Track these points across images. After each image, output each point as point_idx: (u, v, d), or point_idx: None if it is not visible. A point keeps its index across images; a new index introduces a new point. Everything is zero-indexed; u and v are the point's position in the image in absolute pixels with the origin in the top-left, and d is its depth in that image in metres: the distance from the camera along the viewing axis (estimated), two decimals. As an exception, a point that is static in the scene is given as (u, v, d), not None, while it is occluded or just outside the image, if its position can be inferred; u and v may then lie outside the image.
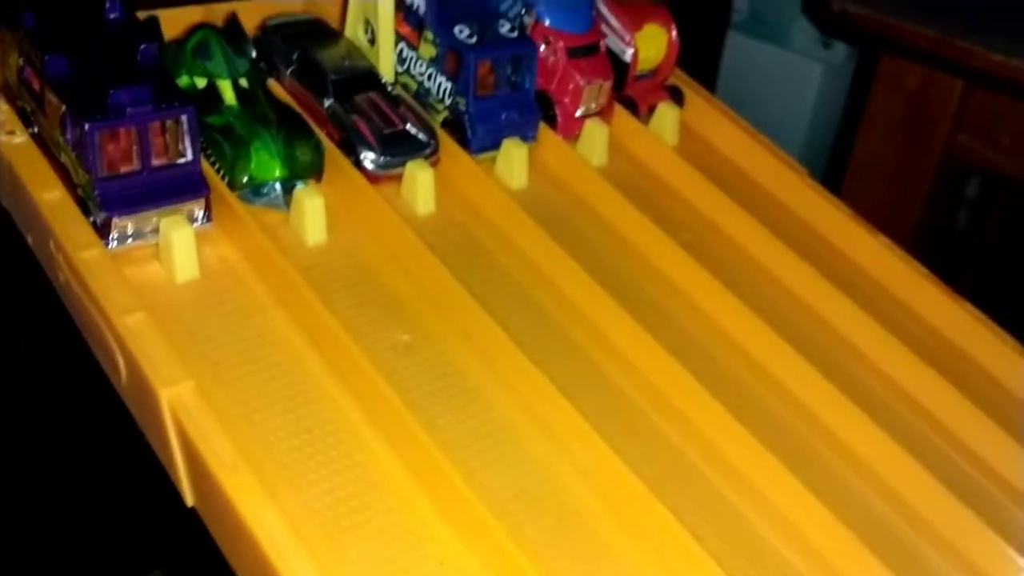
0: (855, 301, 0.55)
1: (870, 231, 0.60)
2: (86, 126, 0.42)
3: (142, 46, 0.46)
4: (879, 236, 0.60)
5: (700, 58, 1.36)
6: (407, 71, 0.59)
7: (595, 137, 0.61)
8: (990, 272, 1.06)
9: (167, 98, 0.44)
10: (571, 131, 0.61)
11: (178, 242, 0.45)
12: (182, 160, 0.46)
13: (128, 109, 0.43)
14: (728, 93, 1.35)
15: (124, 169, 0.44)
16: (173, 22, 0.57)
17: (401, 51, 0.58)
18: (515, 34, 0.57)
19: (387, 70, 0.58)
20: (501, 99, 0.57)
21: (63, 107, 0.44)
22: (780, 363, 0.51)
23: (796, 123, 1.29)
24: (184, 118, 0.45)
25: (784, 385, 0.50)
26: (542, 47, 0.59)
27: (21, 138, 0.47)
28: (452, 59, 0.56)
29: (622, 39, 0.62)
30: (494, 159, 0.58)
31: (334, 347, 0.44)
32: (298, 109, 0.54)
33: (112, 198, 0.44)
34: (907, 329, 0.56)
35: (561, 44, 0.59)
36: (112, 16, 0.48)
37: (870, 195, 0.83)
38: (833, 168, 1.34)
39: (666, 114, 0.64)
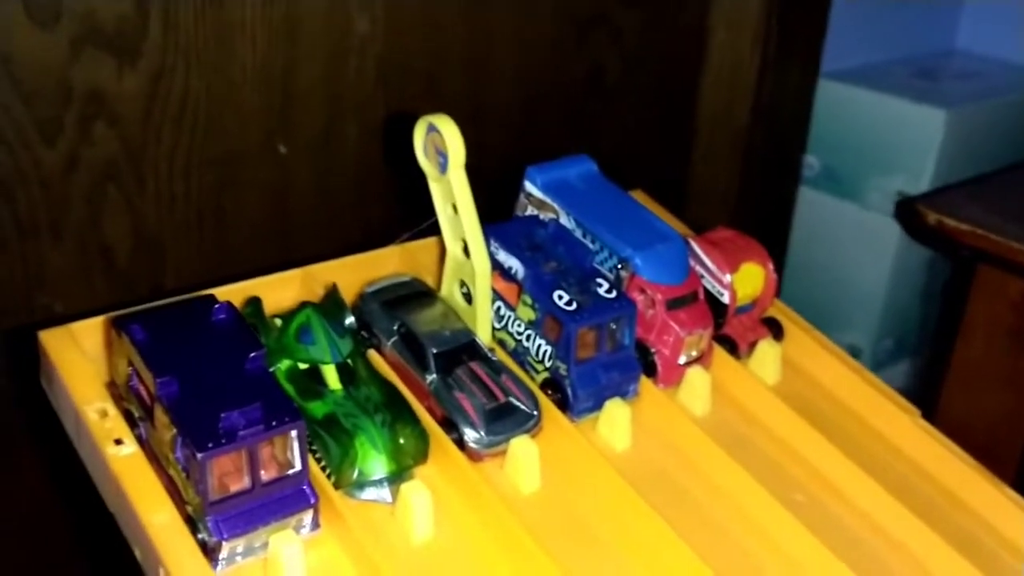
0: (985, 568, 0.52)
1: (992, 482, 0.57)
2: (199, 455, 0.42)
3: (251, 355, 0.46)
4: (1003, 488, 0.57)
5: (771, 215, 1.35)
6: (504, 328, 0.58)
7: (697, 386, 0.59)
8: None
9: (277, 414, 0.44)
10: (671, 380, 0.59)
11: (287, 565, 0.44)
12: (291, 471, 0.45)
13: (239, 432, 0.43)
14: (801, 251, 1.33)
15: (234, 488, 0.44)
16: (274, 289, 0.58)
17: (498, 309, 0.58)
18: (613, 294, 0.56)
19: (485, 333, 0.57)
20: (602, 361, 0.56)
21: (174, 429, 0.43)
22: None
23: (875, 281, 1.26)
24: (294, 433, 0.44)
25: None
26: (639, 298, 0.58)
27: (129, 449, 0.47)
28: (551, 325, 0.55)
29: (719, 281, 0.61)
30: (596, 416, 0.57)
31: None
32: (398, 382, 0.53)
33: (223, 523, 0.43)
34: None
35: (659, 296, 0.58)
36: (219, 316, 0.48)
37: (975, 399, 0.79)
38: (924, 334, 1.31)
39: (767, 352, 0.62)
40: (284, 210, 0.92)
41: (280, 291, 0.58)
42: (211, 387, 0.44)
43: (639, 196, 0.70)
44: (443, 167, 0.54)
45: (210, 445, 0.42)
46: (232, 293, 0.55)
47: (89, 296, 0.85)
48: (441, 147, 0.54)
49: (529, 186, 0.63)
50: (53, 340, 0.51)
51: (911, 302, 1.29)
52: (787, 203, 1.32)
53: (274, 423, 0.43)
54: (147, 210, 0.85)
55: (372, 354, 0.55)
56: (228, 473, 0.44)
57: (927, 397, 0.59)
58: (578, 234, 0.60)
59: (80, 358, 0.51)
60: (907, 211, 0.96)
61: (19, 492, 0.86)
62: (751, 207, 1.25)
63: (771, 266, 0.63)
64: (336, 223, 0.95)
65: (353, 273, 0.60)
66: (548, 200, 0.62)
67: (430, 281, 0.61)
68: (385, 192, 0.96)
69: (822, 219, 1.30)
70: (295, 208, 0.92)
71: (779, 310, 0.66)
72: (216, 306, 0.48)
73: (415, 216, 0.64)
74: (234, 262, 0.91)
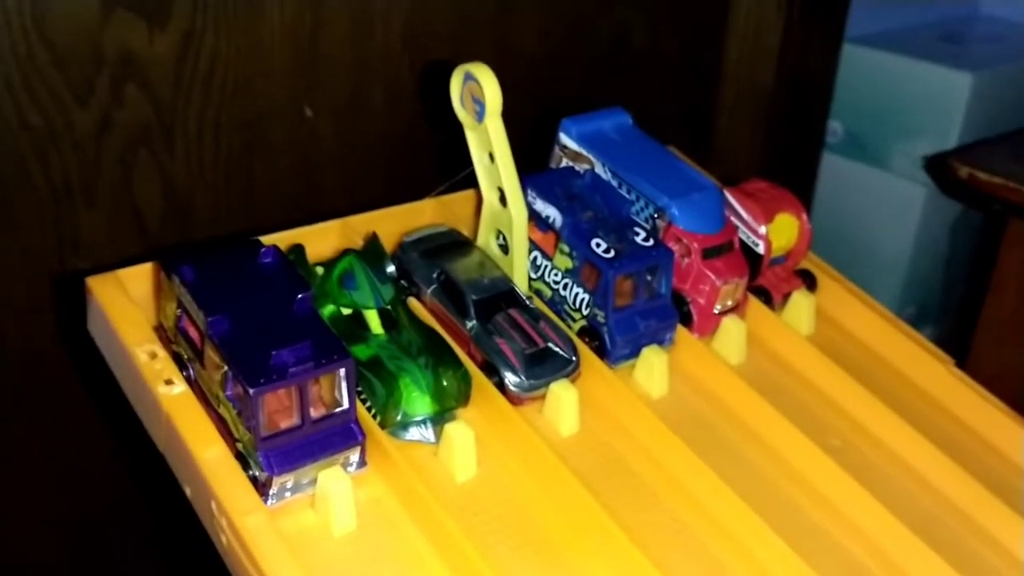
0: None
1: (1028, 428, 0.57)
2: (251, 391, 0.42)
3: (299, 296, 0.46)
4: (1039, 434, 0.57)
5: (794, 181, 1.35)
6: (541, 278, 0.58)
7: (732, 335, 0.59)
8: None
9: (326, 352, 0.44)
10: (707, 329, 0.60)
11: (336, 499, 0.44)
12: (339, 409, 0.46)
13: (290, 369, 0.43)
14: (825, 217, 1.33)
15: (284, 425, 0.44)
16: (312, 239, 0.58)
17: (535, 259, 0.58)
18: (650, 242, 0.56)
19: (522, 281, 0.57)
20: (639, 308, 0.56)
21: (225, 367, 0.44)
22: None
23: (899, 248, 1.26)
24: (342, 371, 0.45)
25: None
26: (675, 247, 0.58)
27: (179, 388, 0.47)
28: (589, 272, 0.55)
29: (754, 232, 0.61)
30: (633, 364, 0.57)
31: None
32: (439, 328, 0.54)
33: (274, 458, 0.44)
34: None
35: (695, 245, 0.58)
36: (266, 260, 0.49)
37: (1006, 354, 0.79)
38: (946, 302, 1.31)
39: (801, 303, 0.63)
40: (312, 173, 0.92)
41: (319, 242, 0.59)
42: (261, 326, 0.45)
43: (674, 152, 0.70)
44: (480, 115, 0.54)
45: (262, 381, 0.43)
46: (272, 242, 0.56)
47: (121, 260, 0.86)
48: (478, 95, 0.54)
49: (564, 138, 0.63)
50: (100, 285, 0.52)
51: (934, 269, 1.29)
52: (811, 169, 1.32)
53: (323, 361, 0.44)
54: (177, 173, 0.85)
55: (412, 302, 0.56)
56: (278, 411, 0.45)
57: (955, 360, 0.59)
58: (614, 184, 0.61)
59: (128, 302, 0.51)
60: (938, 166, 0.95)
61: (67, 441, 0.87)
62: (774, 173, 1.25)
63: (805, 217, 0.63)
64: (363, 187, 0.95)
65: (390, 225, 0.61)
66: (583, 151, 0.62)
67: (466, 233, 0.61)
68: (412, 156, 0.97)
69: (845, 185, 1.30)
70: (323, 171, 0.93)
71: (812, 262, 0.66)
72: (263, 250, 0.49)
73: (444, 179, 0.64)
74: (263, 226, 0.92)
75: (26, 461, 0.86)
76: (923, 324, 1.34)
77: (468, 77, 0.54)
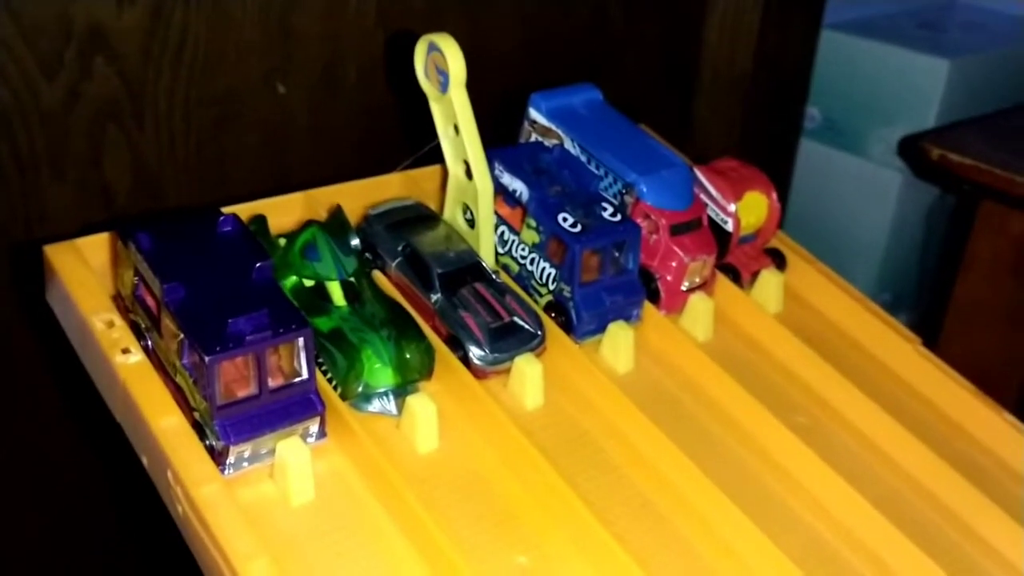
0: (985, 491, 0.52)
1: (992, 407, 0.57)
2: (207, 359, 0.42)
3: (257, 264, 0.46)
4: (1003, 413, 0.57)
5: (771, 166, 1.35)
6: (508, 253, 0.58)
7: (700, 312, 0.59)
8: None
9: (284, 321, 0.44)
10: (674, 306, 0.59)
11: (294, 469, 0.44)
12: (298, 379, 0.45)
13: (247, 337, 0.43)
14: (802, 203, 1.33)
15: (241, 394, 0.44)
16: (276, 211, 0.58)
17: (502, 233, 0.58)
18: (617, 218, 0.56)
19: (488, 254, 0.57)
20: (606, 283, 0.56)
21: (181, 335, 0.43)
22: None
23: (875, 234, 1.26)
24: (301, 340, 0.44)
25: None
26: (643, 224, 0.58)
27: (136, 357, 0.47)
28: (556, 247, 0.55)
29: (723, 209, 0.61)
30: (599, 339, 0.57)
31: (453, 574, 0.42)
32: (403, 301, 0.54)
33: (230, 427, 0.43)
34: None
35: (663, 221, 0.58)
36: (225, 229, 0.48)
37: (975, 336, 0.80)
38: (921, 288, 1.31)
39: (769, 281, 0.62)
40: (284, 149, 0.91)
41: (282, 214, 0.58)
42: (218, 294, 0.44)
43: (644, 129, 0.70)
44: (444, 86, 0.54)
45: (217, 349, 0.42)
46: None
47: (80, 230, 0.85)
48: (442, 66, 0.53)
49: (533, 112, 0.62)
50: (58, 254, 0.51)
51: (910, 255, 1.30)
52: (788, 155, 1.32)
53: (281, 329, 0.43)
54: (146, 148, 0.84)
55: (377, 275, 0.56)
56: (235, 380, 0.44)
57: (926, 344, 0.59)
58: (583, 160, 0.60)
59: (86, 271, 0.51)
60: (911, 148, 0.95)
61: (27, 413, 0.86)
62: (752, 158, 1.25)
63: (775, 195, 0.63)
64: (336, 164, 0.95)
65: (355, 198, 0.60)
66: (552, 126, 0.61)
67: (433, 208, 0.61)
68: (386, 134, 0.96)
69: (823, 171, 1.30)
70: (295, 148, 0.92)
71: (782, 241, 0.66)
72: (222, 219, 0.48)
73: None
74: (233, 202, 0.91)
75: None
76: (899, 310, 1.35)
77: (432, 47, 0.54)
